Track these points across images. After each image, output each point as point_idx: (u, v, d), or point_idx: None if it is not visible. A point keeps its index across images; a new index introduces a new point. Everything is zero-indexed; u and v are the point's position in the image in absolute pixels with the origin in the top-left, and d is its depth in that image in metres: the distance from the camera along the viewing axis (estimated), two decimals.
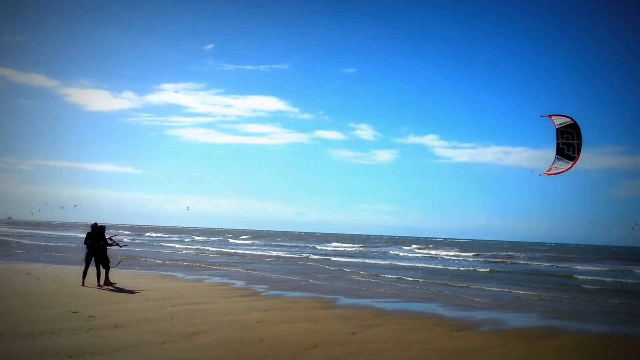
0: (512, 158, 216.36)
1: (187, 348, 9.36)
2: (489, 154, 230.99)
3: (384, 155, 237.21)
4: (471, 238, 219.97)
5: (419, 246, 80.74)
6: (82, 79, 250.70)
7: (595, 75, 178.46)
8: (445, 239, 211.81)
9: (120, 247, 19.89)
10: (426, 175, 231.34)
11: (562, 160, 13.06)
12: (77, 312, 12.40)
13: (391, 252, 62.09)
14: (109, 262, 17.98)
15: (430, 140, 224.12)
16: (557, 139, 13.14)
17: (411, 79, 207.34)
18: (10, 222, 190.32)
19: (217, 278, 23.48)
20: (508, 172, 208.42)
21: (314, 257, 45.86)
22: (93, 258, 17.59)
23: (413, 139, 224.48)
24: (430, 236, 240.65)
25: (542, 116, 13.31)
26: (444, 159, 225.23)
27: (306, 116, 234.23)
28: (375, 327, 12.41)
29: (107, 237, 18.32)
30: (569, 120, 13.06)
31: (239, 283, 21.66)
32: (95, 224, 17.86)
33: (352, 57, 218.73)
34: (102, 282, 17.64)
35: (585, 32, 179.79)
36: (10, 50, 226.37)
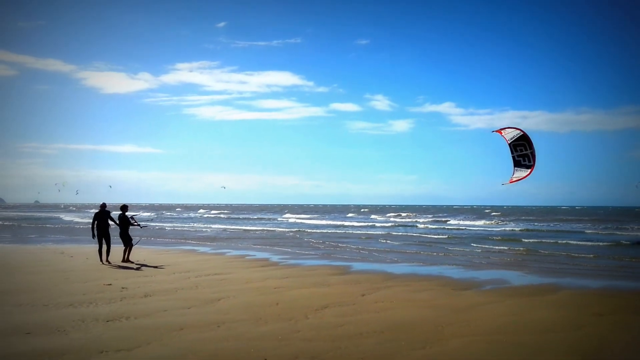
0: (530, 122, 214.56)
1: (211, 311, 10.46)
2: (507, 119, 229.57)
3: (401, 125, 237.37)
4: (492, 204, 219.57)
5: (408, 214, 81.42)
6: (97, 62, 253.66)
7: (613, 34, 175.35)
8: (463, 206, 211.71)
9: (141, 227, 21.01)
10: (444, 143, 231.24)
11: (520, 169, 13.86)
12: (110, 284, 13.59)
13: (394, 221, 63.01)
14: (131, 240, 18.95)
15: (446, 107, 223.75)
16: (512, 153, 13.93)
17: (425, 48, 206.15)
18: (38, 206, 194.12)
19: (237, 251, 24.64)
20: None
21: (331, 229, 46.99)
22: (103, 237, 18.45)
23: (429, 108, 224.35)
24: (451, 204, 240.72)
25: (493, 132, 14.13)
26: (460, 127, 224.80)
27: (321, 89, 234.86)
28: (383, 290, 13.41)
29: (129, 217, 19.24)
30: (519, 132, 13.75)
31: (259, 255, 22.79)
32: (104, 204, 18.77)
33: (365, 28, 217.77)
34: (106, 259, 18.32)
35: None
36: (25, 37, 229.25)
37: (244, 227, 49.37)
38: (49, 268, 16.94)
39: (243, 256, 22.12)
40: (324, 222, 58.84)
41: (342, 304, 11.37)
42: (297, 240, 32.96)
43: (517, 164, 13.83)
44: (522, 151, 13.78)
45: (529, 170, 13.77)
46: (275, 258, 21.42)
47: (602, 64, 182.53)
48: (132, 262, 18.60)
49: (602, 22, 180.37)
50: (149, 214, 63.81)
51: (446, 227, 49.13)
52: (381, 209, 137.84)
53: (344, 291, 13.07)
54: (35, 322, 9.22)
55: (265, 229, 47.19)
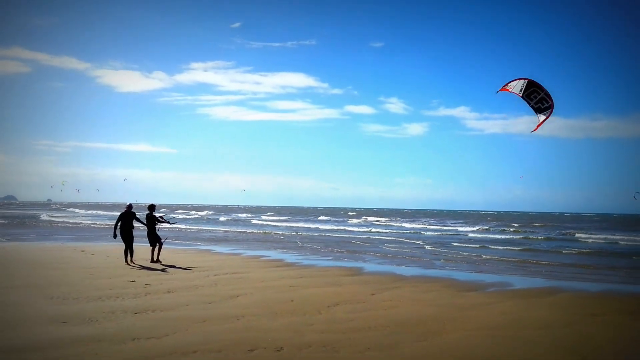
0: (545, 127, 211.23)
1: (229, 306, 11.24)
2: (521, 124, 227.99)
3: (415, 129, 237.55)
4: (507, 210, 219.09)
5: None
6: (112, 60, 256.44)
7: (629, 41, 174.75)
8: (479, 211, 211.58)
9: (171, 224, 21.64)
10: (458, 147, 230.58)
11: (542, 114, 13.50)
12: (134, 281, 14.41)
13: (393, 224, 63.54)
14: (160, 239, 19.15)
15: (461, 112, 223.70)
16: (529, 103, 13.56)
17: (440, 51, 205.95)
18: (50, 204, 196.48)
19: (252, 252, 25.42)
20: (541, 142, 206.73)
21: (345, 232, 47.65)
22: (127, 238, 18.39)
23: (444, 112, 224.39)
24: (467, 209, 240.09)
25: (497, 92, 13.75)
26: (475, 131, 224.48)
27: (336, 91, 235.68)
28: (392, 290, 14.11)
29: (157, 216, 19.51)
30: (524, 80, 13.44)
31: (273, 256, 23.56)
32: (130, 204, 18.92)
33: (380, 31, 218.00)
34: (130, 260, 18.37)
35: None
36: (41, 34, 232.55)
37: (258, 230, 50.20)
38: (73, 265, 17.81)
39: (258, 257, 22.89)
40: (334, 227, 59.45)
41: (352, 301, 12.10)
42: (310, 242, 33.67)
43: (538, 110, 13.50)
44: (537, 96, 13.39)
45: (550, 109, 13.40)
46: (289, 259, 22.18)
47: (618, 70, 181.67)
48: (160, 262, 18.77)
49: (618, 28, 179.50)
50: (173, 215, 64.78)
51: (459, 232, 49.58)
52: (396, 213, 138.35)
53: (354, 290, 13.79)
54: (69, 313, 10.05)
55: (279, 232, 48.00)
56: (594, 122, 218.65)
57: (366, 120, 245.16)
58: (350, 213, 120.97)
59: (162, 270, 17.15)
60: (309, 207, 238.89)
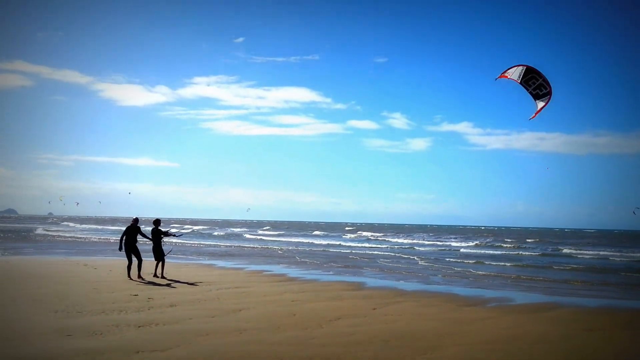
0: (548, 144, 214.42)
1: (233, 319, 11.37)
2: (524, 140, 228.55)
3: (418, 144, 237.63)
4: (509, 225, 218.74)
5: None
6: (115, 74, 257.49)
7: (632, 57, 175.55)
8: (481, 226, 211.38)
9: (177, 237, 21.67)
10: (461, 163, 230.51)
11: (540, 100, 13.44)
12: (136, 295, 14.53)
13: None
14: (163, 255, 18.91)
15: (464, 127, 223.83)
16: (527, 89, 13.47)
17: (443, 67, 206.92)
18: (52, 218, 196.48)
19: (254, 267, 25.52)
20: (544, 158, 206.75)
21: (347, 248, 47.73)
22: (131, 252, 18.24)
23: (447, 127, 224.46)
24: (469, 224, 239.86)
25: (496, 79, 13.65)
26: (478, 146, 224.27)
27: (339, 106, 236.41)
28: (394, 304, 14.22)
29: (163, 230, 19.24)
30: (522, 67, 13.36)
31: (276, 270, 23.66)
32: (136, 219, 18.65)
33: (383, 46, 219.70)
34: (138, 275, 18.17)
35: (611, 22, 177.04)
36: (43, 48, 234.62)
37: (260, 245, 50.28)
38: (76, 279, 17.94)
39: (261, 271, 22.98)
40: (331, 242, 59.52)
41: (354, 316, 12.22)
42: (313, 257, 33.76)
43: (536, 96, 13.45)
44: (535, 82, 13.36)
45: (549, 96, 13.37)
46: (292, 274, 22.28)
47: (621, 86, 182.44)
48: (164, 278, 18.53)
49: (621, 45, 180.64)
50: (180, 230, 64.80)
51: (453, 247, 49.59)
52: (399, 228, 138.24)
53: (356, 305, 13.90)
54: (74, 326, 10.20)
55: (281, 247, 48.08)
56: (596, 138, 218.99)
57: (369, 135, 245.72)
58: (347, 228, 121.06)
59: (165, 284, 17.23)
60: (310, 222, 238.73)
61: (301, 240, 58.97)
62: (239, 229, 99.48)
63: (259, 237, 66.42)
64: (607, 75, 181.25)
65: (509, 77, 13.55)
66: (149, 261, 19.41)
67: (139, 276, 18.25)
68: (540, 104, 13.48)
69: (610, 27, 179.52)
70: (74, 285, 16.37)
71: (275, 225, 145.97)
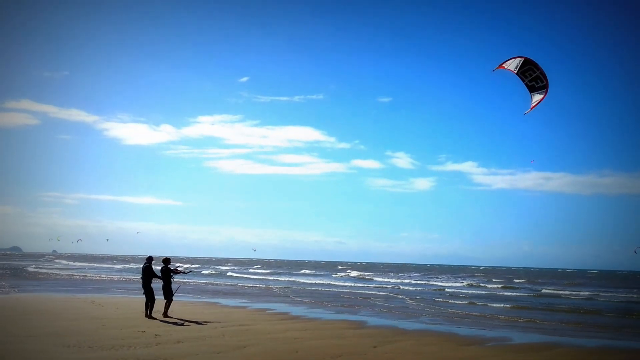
0: (553, 183, 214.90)
1: (237, 356, 11.80)
2: (529, 179, 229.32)
3: (422, 184, 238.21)
4: (514, 265, 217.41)
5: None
6: (121, 113, 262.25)
7: (637, 98, 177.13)
8: (485, 266, 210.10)
9: (186, 274, 22.01)
10: (465, 202, 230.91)
11: (536, 93, 13.50)
12: (144, 331, 14.95)
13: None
14: (171, 294, 18.63)
15: (468, 167, 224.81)
16: (523, 81, 13.49)
17: (447, 107, 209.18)
18: (56, 256, 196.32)
19: (258, 305, 25.89)
20: (549, 198, 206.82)
21: (349, 287, 47.87)
22: (145, 290, 18.26)
23: (451, 166, 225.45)
24: (474, 264, 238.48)
25: (493, 70, 13.74)
26: (482, 186, 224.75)
27: (343, 145, 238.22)
28: (394, 343, 14.59)
29: (172, 268, 19.14)
30: (521, 58, 13.39)
31: (279, 309, 24.01)
32: (150, 257, 18.87)
33: (387, 86, 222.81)
34: (150, 312, 18.15)
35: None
36: (50, 87, 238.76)
37: (263, 285, 50.50)
38: (85, 315, 18.40)
39: (264, 310, 23.34)
40: (339, 282, 59.62)
41: (354, 353, 12.62)
42: (317, 296, 34.00)
43: (532, 88, 13.49)
44: (532, 75, 13.41)
45: (545, 90, 13.40)
46: (294, 312, 22.63)
47: (626, 127, 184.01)
48: (169, 317, 18.31)
49: (628, 85, 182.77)
50: (188, 266, 65.12)
51: (465, 287, 49.69)
52: (402, 268, 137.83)
53: (357, 343, 14.29)
54: None
55: (285, 287, 48.29)
56: (602, 178, 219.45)
57: (373, 174, 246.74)
58: (339, 267, 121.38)
59: (172, 322, 17.51)
60: (312, 261, 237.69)
61: (303, 281, 59.08)
62: (228, 267, 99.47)
63: (256, 277, 66.53)
64: (613, 115, 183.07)
65: (505, 67, 13.64)
66: (158, 300, 19.56)
67: (150, 314, 18.25)
68: (536, 97, 13.56)
69: (616, 67, 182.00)
70: (84, 321, 16.81)
71: (274, 264, 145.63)
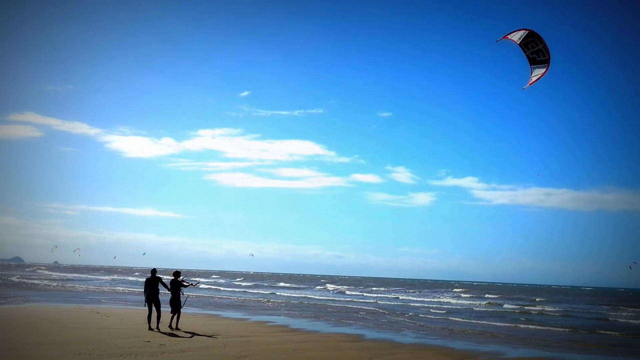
0: (555, 199, 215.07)
1: None
2: (530, 195, 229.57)
3: (422, 198, 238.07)
4: (514, 282, 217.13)
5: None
6: (123, 126, 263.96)
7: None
8: (486, 282, 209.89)
9: (194, 285, 22.34)
10: (465, 218, 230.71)
11: (537, 67, 13.44)
12: (149, 341, 15.59)
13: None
14: (180, 306, 18.79)
15: (468, 182, 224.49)
16: (525, 52, 13.39)
17: (448, 121, 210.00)
18: (57, 267, 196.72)
19: (258, 317, 26.48)
20: (551, 214, 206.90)
21: (346, 301, 48.34)
22: (152, 303, 18.07)
23: (451, 181, 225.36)
24: (474, 280, 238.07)
25: (497, 41, 13.66)
26: (483, 201, 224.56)
27: (342, 159, 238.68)
28: (389, 356, 15.23)
29: (180, 280, 19.24)
30: (525, 30, 13.31)
31: (278, 321, 24.61)
32: (154, 270, 18.98)
33: (387, 101, 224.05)
34: (156, 325, 18.07)
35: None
36: (54, 100, 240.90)
37: (263, 298, 51.02)
38: (92, 325, 19.02)
39: (264, 322, 23.95)
40: (338, 297, 60.02)
41: None
42: (315, 310, 34.55)
43: (533, 61, 13.39)
44: (534, 47, 13.31)
45: (546, 64, 13.33)
46: (293, 325, 23.24)
47: (629, 143, 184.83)
48: (179, 329, 18.51)
49: (629, 101, 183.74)
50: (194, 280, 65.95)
51: (464, 301, 50.15)
52: (402, 283, 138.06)
53: (353, 355, 14.94)
54: None
55: (285, 301, 48.80)
56: (604, 194, 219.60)
57: (372, 189, 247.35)
58: (322, 280, 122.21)
59: (176, 334, 17.98)
60: (313, 275, 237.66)
61: (305, 295, 59.58)
62: (242, 281, 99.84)
63: (238, 289, 67.02)
64: (616, 132, 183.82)
65: (509, 37, 13.55)
66: (165, 312, 19.85)
67: (158, 326, 18.27)
68: (537, 71, 13.50)
69: (619, 82, 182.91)
70: (91, 331, 17.45)
71: (273, 277, 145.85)
